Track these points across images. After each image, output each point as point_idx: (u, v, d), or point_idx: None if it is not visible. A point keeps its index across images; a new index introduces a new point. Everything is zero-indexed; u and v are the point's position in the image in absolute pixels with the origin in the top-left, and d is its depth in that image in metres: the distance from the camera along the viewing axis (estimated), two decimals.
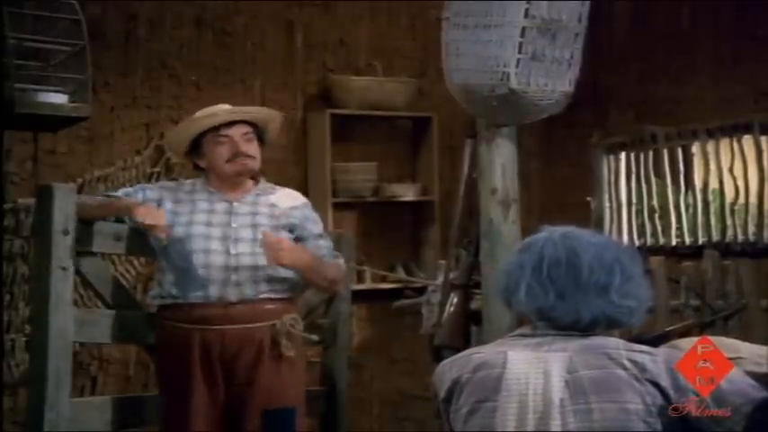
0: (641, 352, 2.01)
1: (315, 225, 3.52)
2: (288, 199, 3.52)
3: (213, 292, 3.31)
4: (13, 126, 4.11)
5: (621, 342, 2.03)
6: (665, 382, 1.97)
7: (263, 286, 3.36)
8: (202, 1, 5.15)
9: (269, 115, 3.57)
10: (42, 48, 3.93)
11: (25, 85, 3.79)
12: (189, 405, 3.27)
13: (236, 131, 3.40)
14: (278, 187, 3.57)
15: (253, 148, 3.43)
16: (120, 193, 3.51)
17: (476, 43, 3.21)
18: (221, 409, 3.31)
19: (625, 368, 1.97)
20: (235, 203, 3.42)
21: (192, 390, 3.28)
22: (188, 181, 3.55)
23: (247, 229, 3.38)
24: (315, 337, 3.62)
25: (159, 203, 3.41)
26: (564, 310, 2.03)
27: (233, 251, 3.34)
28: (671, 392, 1.96)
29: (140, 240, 3.54)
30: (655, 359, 1.99)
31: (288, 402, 3.33)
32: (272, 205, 3.46)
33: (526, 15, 3.11)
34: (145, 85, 5.02)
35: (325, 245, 3.54)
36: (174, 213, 3.39)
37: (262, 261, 3.34)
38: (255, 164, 3.44)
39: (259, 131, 3.48)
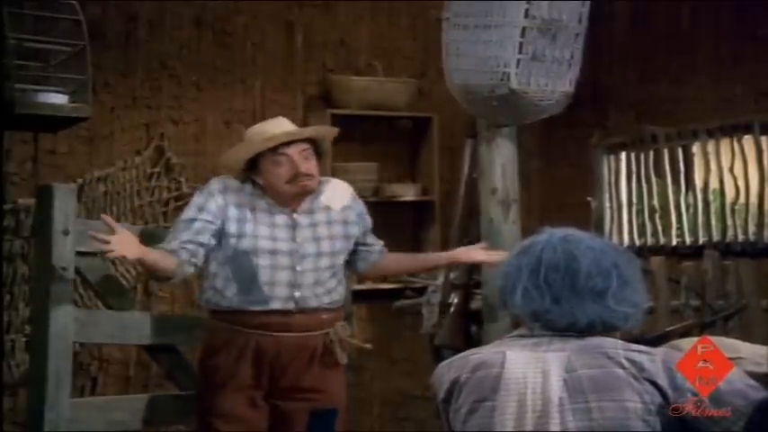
0: (639, 351, 2.01)
1: (367, 218, 3.55)
2: (338, 197, 3.48)
3: (275, 305, 3.31)
4: (13, 126, 4.11)
5: (619, 342, 2.04)
6: (662, 381, 1.97)
7: (323, 299, 3.37)
8: (202, 1, 5.15)
9: (326, 132, 3.55)
10: (43, 48, 3.92)
11: (25, 85, 3.78)
12: (230, 407, 3.28)
13: (295, 150, 3.31)
14: (323, 179, 3.49)
15: (312, 166, 3.35)
16: (196, 224, 3.31)
17: (476, 43, 3.21)
18: (265, 411, 3.33)
19: (623, 367, 1.97)
20: (295, 215, 3.36)
21: (237, 392, 3.28)
22: (240, 185, 3.38)
23: (311, 244, 3.35)
24: (368, 346, 3.65)
25: (224, 210, 3.32)
26: (559, 313, 2.04)
27: (299, 268, 3.31)
28: (669, 392, 1.96)
29: (141, 241, 3.53)
30: (653, 359, 2.00)
31: (335, 405, 3.39)
32: (327, 208, 3.42)
33: (526, 16, 3.11)
34: (145, 86, 5.03)
35: (371, 232, 3.58)
36: (239, 220, 3.32)
37: (324, 275, 3.36)
38: (315, 182, 3.36)
39: (316, 146, 3.42)
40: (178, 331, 3.69)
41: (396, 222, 5.64)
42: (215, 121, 5.13)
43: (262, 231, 3.32)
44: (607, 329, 2.06)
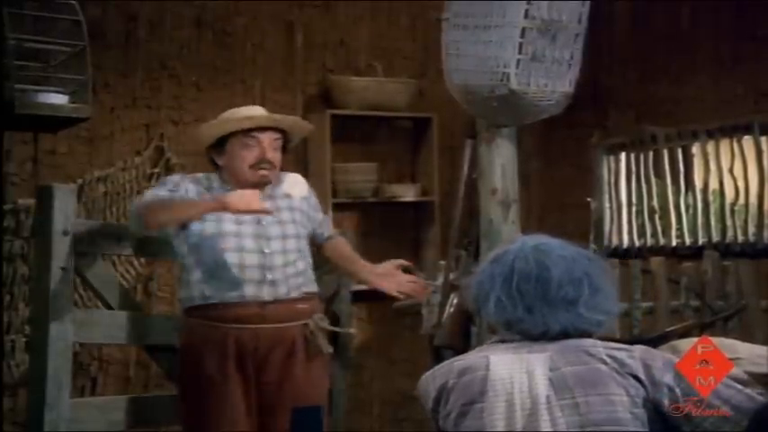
0: (618, 349, 2.05)
1: (320, 210, 3.62)
2: (297, 187, 3.53)
3: (249, 291, 3.31)
4: (13, 127, 4.11)
5: (598, 341, 2.07)
6: (642, 375, 2.01)
7: (293, 283, 3.38)
8: (202, 1, 5.15)
9: (302, 126, 3.61)
10: (43, 48, 3.93)
11: (25, 85, 3.78)
12: (223, 404, 3.28)
13: (268, 137, 3.37)
14: (281, 173, 3.53)
15: (277, 157, 3.41)
16: (162, 191, 3.38)
17: (476, 44, 3.21)
18: (253, 407, 3.33)
19: (605, 363, 2.01)
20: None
21: (227, 388, 3.29)
22: (200, 175, 3.48)
23: (275, 227, 3.39)
24: (353, 330, 3.69)
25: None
26: (532, 322, 2.07)
27: (266, 250, 3.34)
28: (648, 386, 2.00)
29: (141, 241, 3.54)
30: (632, 355, 2.04)
31: (317, 400, 3.38)
32: (288, 196, 3.47)
33: (526, 16, 3.11)
34: (145, 86, 5.03)
35: (327, 222, 3.65)
36: None
37: (292, 258, 3.38)
38: (273, 174, 3.42)
39: (286, 139, 3.46)
40: (178, 331, 3.69)
41: (395, 223, 5.65)
42: None
43: (225, 215, 3.31)
44: (580, 336, 2.08)
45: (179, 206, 3.31)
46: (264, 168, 3.36)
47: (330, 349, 3.45)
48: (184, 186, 3.38)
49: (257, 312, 3.32)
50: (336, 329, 3.52)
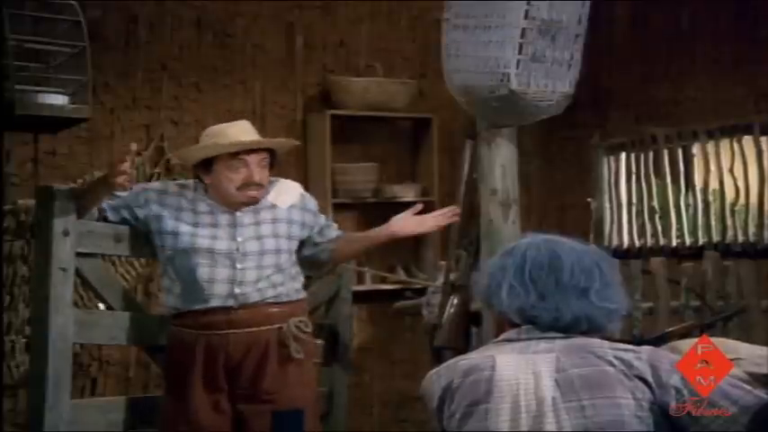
0: (626, 350, 2.04)
1: (315, 217, 3.51)
2: (286, 196, 3.47)
3: (216, 302, 3.31)
4: (13, 127, 4.11)
5: (605, 342, 2.07)
6: (649, 377, 2.00)
7: (267, 293, 3.35)
8: (202, 2, 5.16)
9: (287, 144, 3.60)
10: (43, 49, 3.93)
11: (26, 86, 3.79)
12: (189, 409, 3.28)
13: (255, 157, 3.32)
14: (272, 179, 3.48)
15: (264, 176, 3.36)
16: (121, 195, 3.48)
17: (476, 44, 3.21)
18: (228, 413, 3.31)
19: (613, 365, 2.00)
20: (238, 214, 3.36)
21: (194, 394, 3.28)
22: (189, 182, 3.48)
23: (253, 242, 3.34)
24: (318, 342, 3.62)
25: (160, 206, 3.39)
26: (545, 309, 2.06)
27: (239, 266, 3.31)
28: (655, 389, 1.99)
29: (141, 241, 3.54)
30: (639, 356, 2.03)
31: (297, 404, 3.31)
32: (273, 206, 3.42)
33: (526, 16, 3.11)
34: (145, 87, 5.03)
35: (328, 225, 3.55)
36: (176, 219, 3.34)
37: (267, 272, 3.34)
38: (261, 193, 3.37)
39: (273, 155, 3.42)
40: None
41: None
42: (215, 122, 5.07)
43: (201, 231, 3.32)
44: (591, 327, 2.08)
45: (85, 201, 3.40)
46: (252, 189, 3.34)
47: (301, 355, 3.33)
48: (144, 194, 3.44)
49: (225, 318, 3.30)
50: (309, 339, 3.43)
